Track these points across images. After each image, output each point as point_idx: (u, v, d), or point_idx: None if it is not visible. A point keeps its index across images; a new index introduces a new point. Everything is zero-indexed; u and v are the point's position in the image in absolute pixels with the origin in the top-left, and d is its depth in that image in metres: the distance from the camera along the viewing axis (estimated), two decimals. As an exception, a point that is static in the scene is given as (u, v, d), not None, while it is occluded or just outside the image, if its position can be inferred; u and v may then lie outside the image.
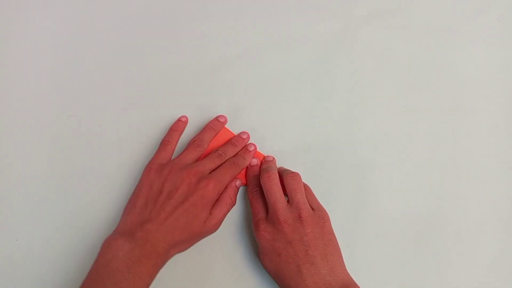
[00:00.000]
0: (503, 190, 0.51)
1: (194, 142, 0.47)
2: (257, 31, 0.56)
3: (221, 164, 0.46)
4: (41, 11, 0.55)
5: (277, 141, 0.51)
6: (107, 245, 0.39)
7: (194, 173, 0.43)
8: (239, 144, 0.49)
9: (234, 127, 0.50)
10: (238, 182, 0.47)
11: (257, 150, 0.50)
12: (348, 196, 0.50)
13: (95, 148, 0.50)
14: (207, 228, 0.43)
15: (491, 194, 0.51)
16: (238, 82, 0.54)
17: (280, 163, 0.50)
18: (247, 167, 0.48)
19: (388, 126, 0.53)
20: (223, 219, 0.45)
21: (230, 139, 0.49)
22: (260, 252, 0.43)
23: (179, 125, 0.50)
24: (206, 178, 0.43)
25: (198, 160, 0.46)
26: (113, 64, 0.54)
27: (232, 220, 0.48)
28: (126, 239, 0.39)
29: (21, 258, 0.46)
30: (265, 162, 0.48)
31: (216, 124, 0.49)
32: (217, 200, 0.44)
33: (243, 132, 0.50)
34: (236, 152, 0.48)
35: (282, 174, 0.46)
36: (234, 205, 0.46)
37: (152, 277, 0.39)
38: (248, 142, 0.50)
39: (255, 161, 0.48)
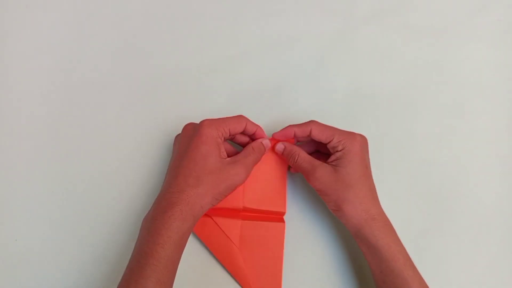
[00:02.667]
0: (504, 190, 0.51)
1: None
2: (257, 31, 0.56)
3: None
4: (41, 11, 0.55)
5: (277, 141, 0.51)
6: None
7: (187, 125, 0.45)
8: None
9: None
10: (265, 142, 0.46)
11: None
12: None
13: (95, 148, 0.50)
14: (228, 171, 0.42)
15: (491, 194, 0.51)
16: (238, 82, 0.54)
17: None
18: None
19: (388, 126, 0.53)
20: (249, 169, 0.43)
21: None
22: (347, 160, 0.42)
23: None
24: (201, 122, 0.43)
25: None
26: (113, 64, 0.54)
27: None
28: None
29: (21, 258, 0.46)
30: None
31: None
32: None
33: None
34: None
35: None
36: (258, 159, 0.45)
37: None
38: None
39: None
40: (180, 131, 0.46)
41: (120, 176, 0.49)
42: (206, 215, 0.45)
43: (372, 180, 0.44)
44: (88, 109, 0.52)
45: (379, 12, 0.57)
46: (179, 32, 0.55)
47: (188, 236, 0.41)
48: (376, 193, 0.43)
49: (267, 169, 0.47)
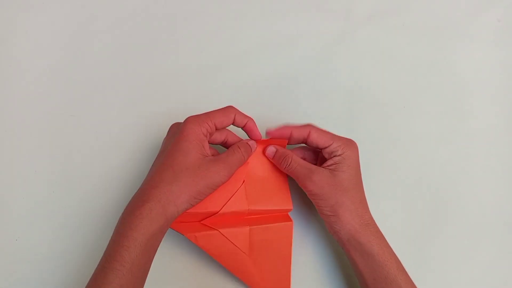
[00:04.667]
0: (503, 190, 0.51)
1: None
2: (257, 31, 0.56)
3: None
4: (41, 11, 0.55)
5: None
6: None
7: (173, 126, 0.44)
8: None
9: (233, 127, 0.50)
10: (252, 142, 0.44)
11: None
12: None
13: (95, 148, 0.50)
14: (208, 168, 0.39)
15: (491, 194, 0.51)
16: (238, 82, 0.54)
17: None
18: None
19: (388, 126, 0.53)
20: (231, 168, 0.41)
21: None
22: (346, 165, 0.42)
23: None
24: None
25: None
26: (113, 64, 0.54)
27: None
28: None
29: (21, 258, 0.46)
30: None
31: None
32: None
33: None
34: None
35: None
36: (244, 160, 0.42)
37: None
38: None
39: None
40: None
41: (120, 175, 0.49)
42: (212, 228, 0.42)
43: (363, 186, 0.44)
44: (88, 108, 0.52)
45: (379, 12, 0.57)
46: (179, 31, 0.55)
47: (160, 240, 0.38)
48: (366, 199, 0.43)
49: (266, 168, 0.46)
